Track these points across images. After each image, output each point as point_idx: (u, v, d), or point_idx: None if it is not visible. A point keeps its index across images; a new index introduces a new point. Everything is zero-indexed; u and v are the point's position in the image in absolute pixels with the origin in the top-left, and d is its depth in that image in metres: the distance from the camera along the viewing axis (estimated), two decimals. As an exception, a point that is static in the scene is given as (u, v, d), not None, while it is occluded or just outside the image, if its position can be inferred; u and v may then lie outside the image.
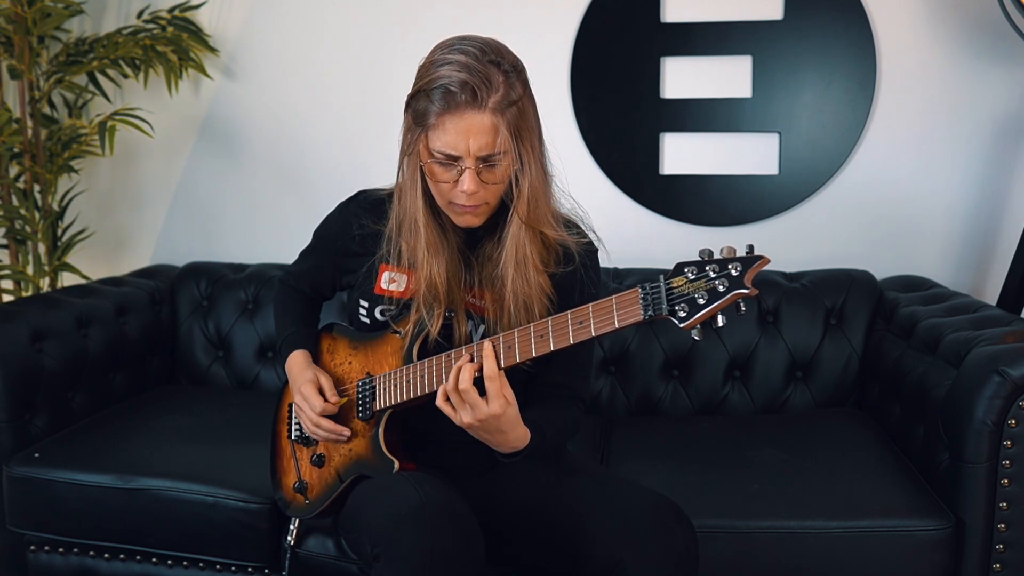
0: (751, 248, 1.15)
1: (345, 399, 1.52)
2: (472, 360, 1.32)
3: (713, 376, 2.19)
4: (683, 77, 2.37)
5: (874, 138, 2.32)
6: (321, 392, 1.52)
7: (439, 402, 1.33)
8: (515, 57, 1.35)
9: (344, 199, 1.60)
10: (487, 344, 1.31)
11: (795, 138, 2.34)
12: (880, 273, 2.28)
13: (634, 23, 2.36)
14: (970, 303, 1.98)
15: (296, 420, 1.61)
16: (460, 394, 1.30)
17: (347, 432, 1.50)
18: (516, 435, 1.34)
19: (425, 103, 1.32)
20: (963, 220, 2.32)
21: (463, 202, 1.36)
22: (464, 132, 1.30)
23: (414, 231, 1.42)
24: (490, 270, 1.44)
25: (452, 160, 1.32)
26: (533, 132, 1.36)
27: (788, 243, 2.37)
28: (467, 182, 1.32)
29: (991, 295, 2.27)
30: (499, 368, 1.30)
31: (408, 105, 1.37)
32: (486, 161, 1.33)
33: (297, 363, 1.58)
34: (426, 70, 1.34)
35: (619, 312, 1.20)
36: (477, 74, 1.29)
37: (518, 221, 1.38)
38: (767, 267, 2.29)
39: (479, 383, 1.30)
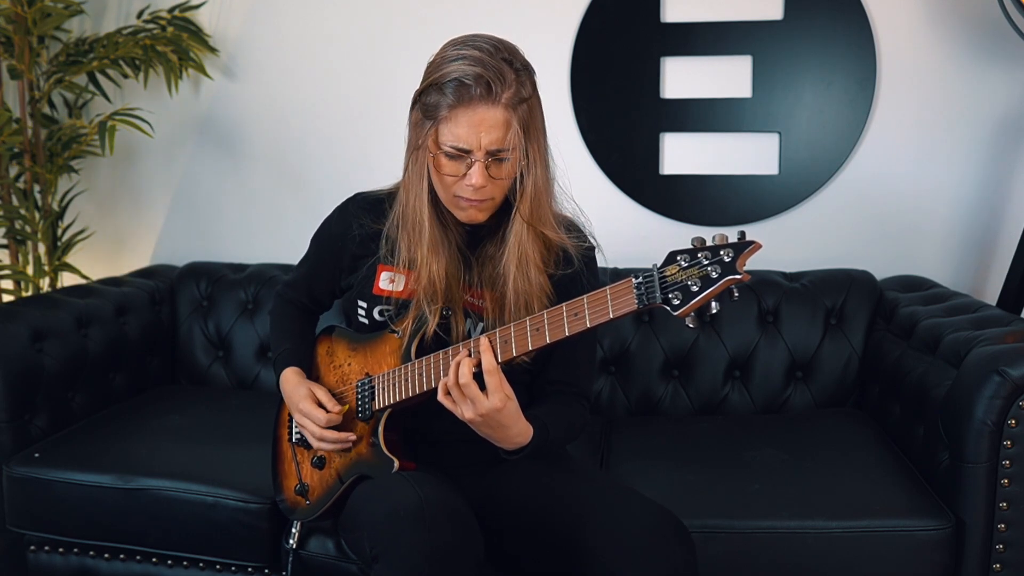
0: (743, 234, 1.15)
1: (346, 407, 1.52)
2: (470, 355, 1.32)
3: (713, 376, 2.19)
4: (683, 77, 2.37)
5: (874, 138, 2.32)
6: (321, 405, 1.51)
7: (440, 396, 1.33)
8: (525, 58, 1.37)
9: (341, 202, 1.59)
10: (483, 339, 1.31)
11: (795, 138, 2.34)
12: (880, 273, 2.28)
13: (634, 23, 2.36)
14: (970, 303, 1.98)
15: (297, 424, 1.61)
16: (460, 388, 1.30)
17: (353, 438, 1.49)
18: (518, 430, 1.34)
19: (437, 97, 1.32)
20: (963, 220, 2.32)
21: (469, 196, 1.36)
22: (476, 125, 1.31)
23: (416, 228, 1.42)
24: (490, 269, 1.44)
25: (462, 153, 1.33)
26: (540, 132, 1.38)
27: (788, 243, 2.37)
28: (475, 176, 1.33)
29: (991, 295, 2.27)
30: (497, 362, 1.30)
31: (416, 100, 1.38)
32: (495, 156, 1.33)
33: (290, 381, 1.57)
34: (437, 66, 1.34)
35: (613, 302, 1.20)
36: (491, 69, 1.30)
37: (520, 220, 1.39)
38: (767, 267, 2.31)
39: (479, 378, 1.30)
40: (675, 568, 1.28)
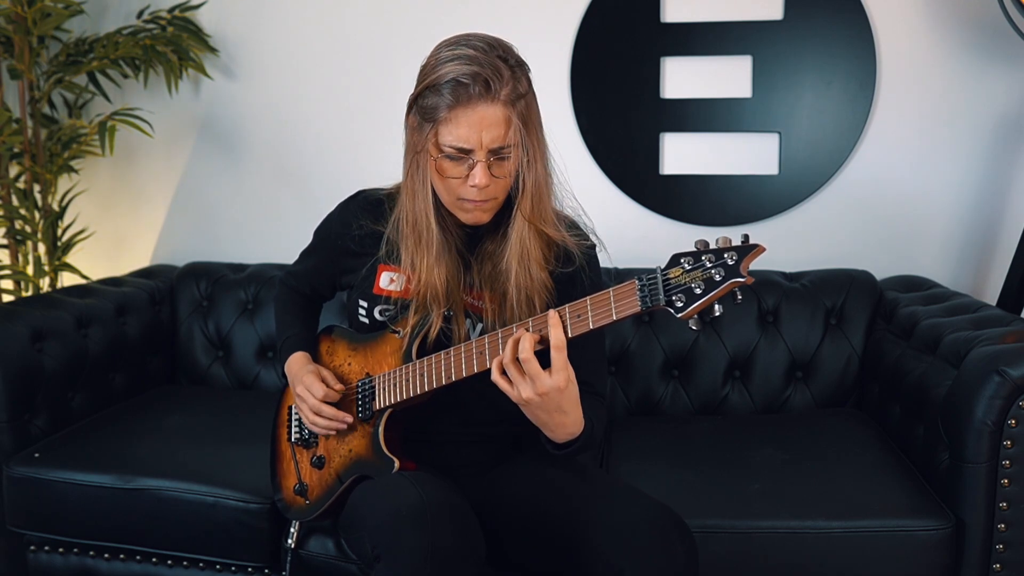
0: (746, 237, 1.15)
1: (348, 387, 1.52)
2: (529, 330, 1.26)
3: (713, 376, 2.19)
4: (683, 77, 2.37)
5: (874, 138, 2.32)
6: (324, 383, 1.52)
7: (494, 376, 1.27)
8: (518, 54, 1.36)
9: (344, 199, 1.60)
10: (553, 313, 1.25)
11: (795, 138, 2.34)
12: (880, 273, 2.28)
13: (634, 23, 2.36)
14: (970, 303, 1.98)
15: (296, 422, 1.61)
16: (521, 364, 1.25)
17: (349, 418, 1.49)
18: (575, 417, 1.30)
19: (434, 99, 1.32)
20: (963, 220, 2.32)
21: (473, 197, 1.36)
22: (477, 124, 1.30)
23: (419, 234, 1.41)
24: (490, 268, 1.44)
25: (463, 154, 1.32)
26: (538, 128, 1.38)
27: (788, 243, 2.37)
28: (479, 176, 1.32)
29: (991, 295, 2.27)
30: (566, 338, 1.23)
31: (412, 105, 1.37)
32: (497, 154, 1.33)
33: (297, 361, 1.58)
34: (432, 68, 1.34)
35: (616, 304, 1.20)
36: (487, 66, 1.30)
37: (522, 217, 1.38)
38: (767, 267, 2.32)
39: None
40: (677, 566, 1.28)
